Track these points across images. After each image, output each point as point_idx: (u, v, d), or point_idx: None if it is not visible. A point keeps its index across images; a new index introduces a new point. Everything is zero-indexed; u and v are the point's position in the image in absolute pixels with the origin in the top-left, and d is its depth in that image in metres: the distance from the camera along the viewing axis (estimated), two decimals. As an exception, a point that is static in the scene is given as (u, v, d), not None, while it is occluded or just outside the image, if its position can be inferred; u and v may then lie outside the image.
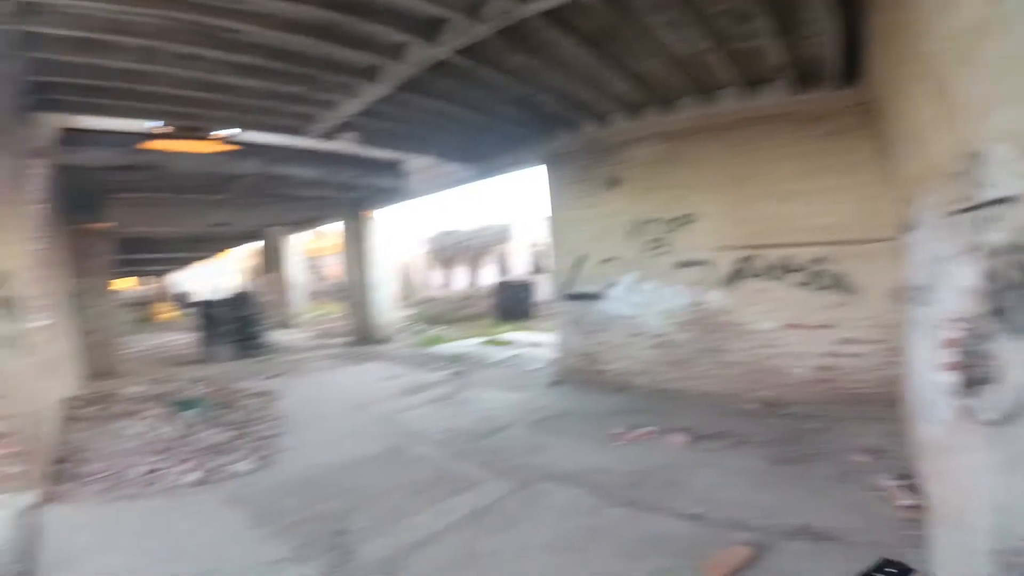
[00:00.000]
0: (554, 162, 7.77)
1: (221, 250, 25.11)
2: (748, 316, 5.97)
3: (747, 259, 5.96)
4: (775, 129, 5.72)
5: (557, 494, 3.90)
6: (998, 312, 2.19)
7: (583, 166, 7.35)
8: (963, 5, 2.07)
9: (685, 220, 6.40)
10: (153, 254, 21.72)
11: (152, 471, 4.47)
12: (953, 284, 2.87)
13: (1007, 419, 2.08)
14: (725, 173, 6.08)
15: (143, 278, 34.88)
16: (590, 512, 3.62)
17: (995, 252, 2.14)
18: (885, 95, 4.44)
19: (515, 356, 9.63)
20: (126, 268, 21.00)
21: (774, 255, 5.78)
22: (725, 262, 6.10)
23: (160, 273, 34.41)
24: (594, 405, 6.25)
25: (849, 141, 5.29)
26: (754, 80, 5.52)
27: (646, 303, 6.73)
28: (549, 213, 8.07)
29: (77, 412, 6.17)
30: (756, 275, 5.92)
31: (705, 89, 5.81)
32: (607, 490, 3.93)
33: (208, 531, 3.48)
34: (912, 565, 2.46)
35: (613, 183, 7.02)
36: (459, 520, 3.53)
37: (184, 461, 4.62)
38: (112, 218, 9.88)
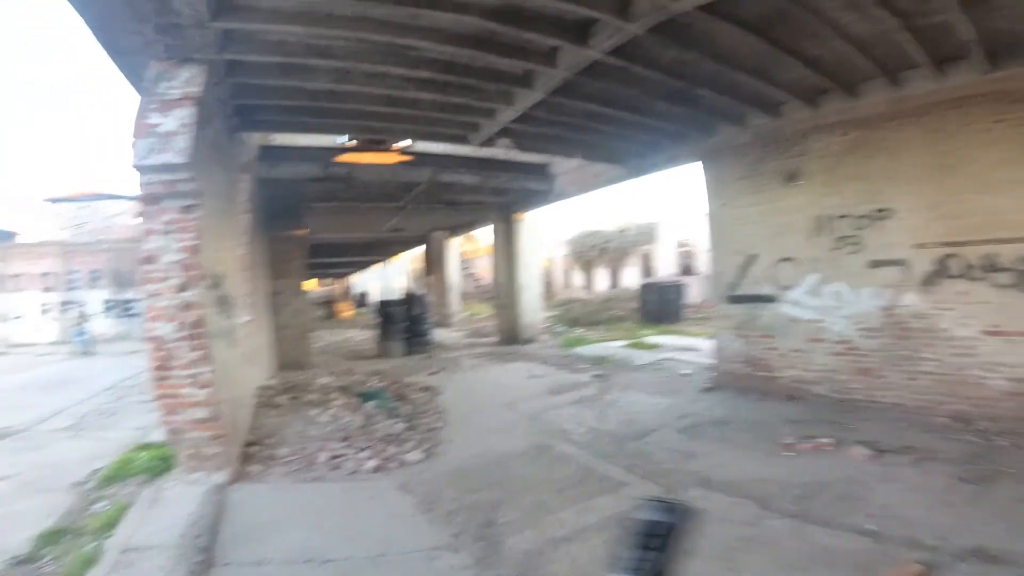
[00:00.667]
0: (714, 158, 7.32)
1: (393, 254, 28.15)
2: (946, 321, 5.16)
3: (947, 257, 5.15)
4: (974, 112, 4.90)
5: (711, 502, 3.70)
6: None
7: (751, 160, 6.83)
8: None
9: (878, 215, 5.63)
10: (337, 258, 25.19)
11: (335, 457, 4.80)
12: None
13: None
14: (922, 163, 5.28)
15: (328, 279, 40.55)
16: (749, 522, 3.40)
17: None
18: None
19: (663, 360, 9.28)
20: (314, 270, 24.73)
21: (977, 253, 4.95)
22: (923, 261, 5.31)
23: (342, 275, 39.80)
24: (758, 413, 5.82)
25: None
26: (944, 58, 4.69)
27: (830, 306, 6.08)
28: (708, 211, 7.60)
29: (270, 399, 6.71)
30: (957, 275, 5.10)
31: (891, 71, 5.06)
32: (770, 501, 3.65)
33: (381, 515, 3.80)
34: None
35: (791, 177, 6.39)
36: (602, 520, 3.51)
37: (364, 449, 5.04)
38: (305, 225, 11.22)
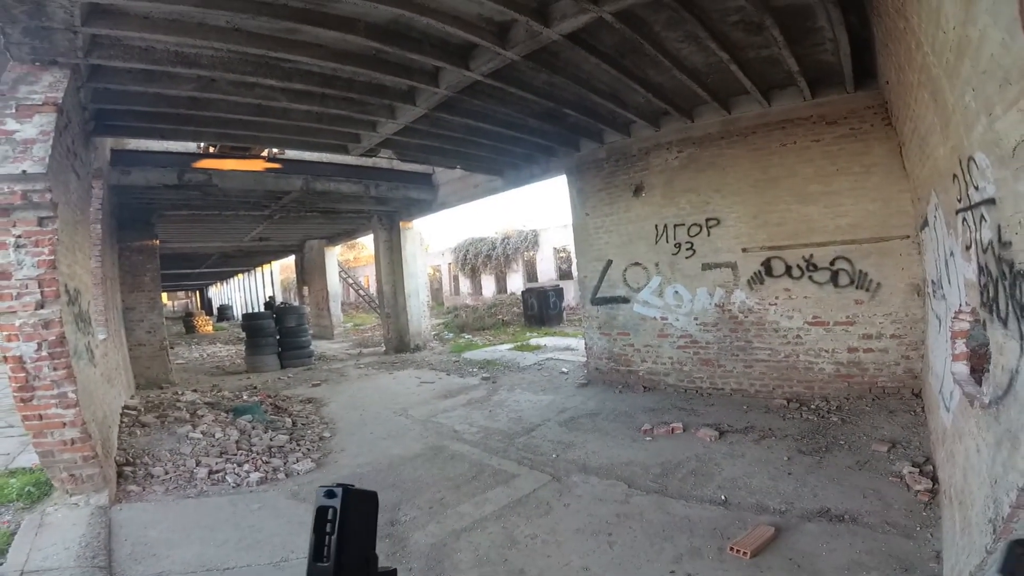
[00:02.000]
0: (578, 171, 8.05)
1: (259, 264, 26.19)
2: (773, 315, 6.10)
3: (770, 260, 6.10)
4: (793, 133, 5.88)
5: (588, 485, 4.16)
6: (988, 304, 2.39)
7: (607, 174, 7.61)
8: (945, 25, 2.27)
9: (709, 224, 6.57)
10: (193, 269, 22.86)
11: (214, 472, 4.71)
12: (959, 278, 3.07)
13: (996, 401, 2.29)
14: (747, 177, 6.24)
15: (189, 292, 36.35)
16: (620, 500, 3.87)
17: (984, 248, 2.35)
18: (894, 99, 4.58)
19: (545, 360, 9.88)
20: (170, 283, 22.19)
21: (796, 255, 5.91)
22: (749, 263, 6.25)
23: (202, 287, 35.99)
24: (622, 404, 6.47)
25: (864, 143, 5.44)
26: (769, 87, 5.69)
27: (672, 305, 6.93)
28: (573, 221, 8.34)
29: (136, 419, 6.47)
30: (779, 275, 6.05)
31: (722, 97, 6.00)
32: (635, 480, 4.17)
33: (276, 524, 3.78)
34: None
35: (637, 190, 7.25)
36: (499, 510, 3.83)
37: (244, 463, 4.92)
38: (159, 235, 10.39)
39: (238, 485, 4.53)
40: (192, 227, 13.05)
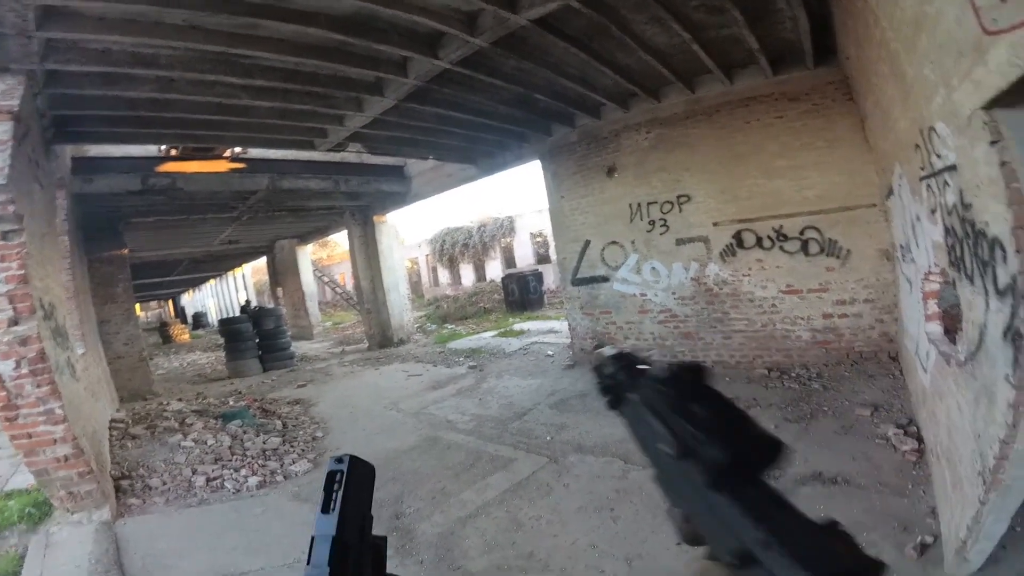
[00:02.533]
0: (551, 155, 8.09)
1: (231, 268, 25.56)
2: (747, 286, 6.31)
3: (741, 232, 6.29)
4: (756, 111, 6.04)
5: (585, 464, 4.28)
6: (956, 263, 2.54)
7: (580, 157, 7.68)
8: (902, 2, 2.37)
9: (681, 201, 6.73)
10: (164, 277, 22.23)
11: (212, 479, 4.70)
12: (926, 241, 3.23)
13: (971, 357, 2.41)
14: (715, 154, 6.39)
15: (157, 302, 35.38)
16: (618, 476, 3.98)
17: (949, 211, 2.50)
18: (855, 74, 4.73)
19: (530, 344, 9.99)
20: (142, 293, 21.55)
21: (767, 227, 6.10)
22: (721, 236, 6.44)
23: (172, 296, 35.05)
24: None
25: (827, 119, 5.60)
26: (731, 65, 5.80)
27: (650, 281, 7.10)
28: (549, 204, 8.40)
29: (125, 431, 6.41)
30: (751, 246, 6.25)
31: (687, 77, 6.09)
32: (631, 456, 4.24)
33: (281, 526, 3.79)
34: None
35: (610, 171, 7.35)
36: (500, 495, 3.91)
37: (241, 468, 4.91)
38: (127, 244, 10.13)
39: (238, 491, 4.52)
40: (160, 234, 12.67)
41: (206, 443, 5.66)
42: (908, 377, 4.65)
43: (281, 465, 4.99)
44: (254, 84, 4.97)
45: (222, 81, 4.86)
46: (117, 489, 4.54)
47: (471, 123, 7.04)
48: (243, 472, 4.83)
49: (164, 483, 4.71)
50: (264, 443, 5.62)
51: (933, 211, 2.87)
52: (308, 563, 0.54)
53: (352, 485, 0.57)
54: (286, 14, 3.86)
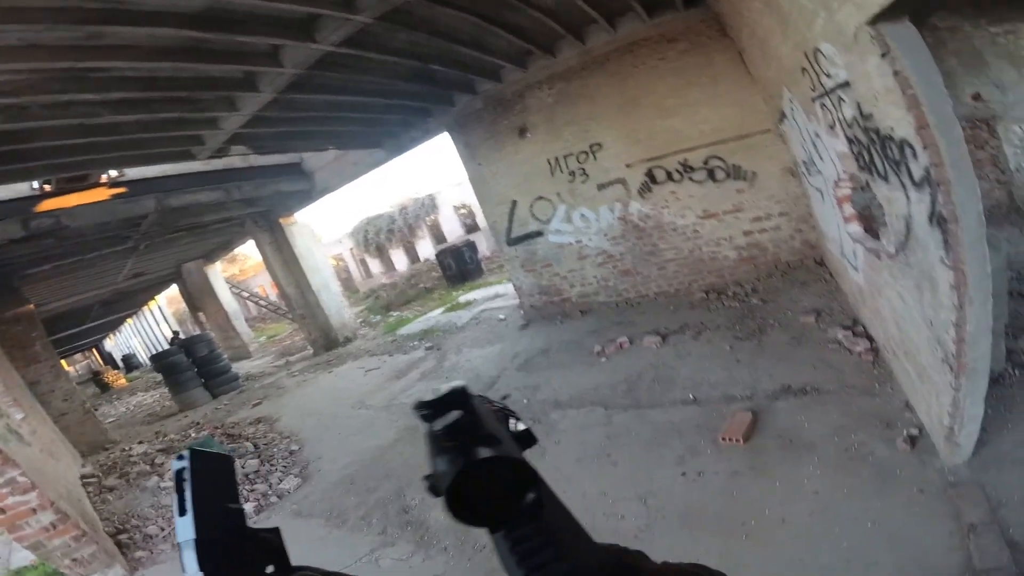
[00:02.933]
0: (459, 126, 8.07)
1: (145, 302, 23.69)
2: (668, 216, 6.78)
3: (652, 170, 6.69)
4: (642, 55, 6.32)
5: (568, 418, 4.37)
6: (865, 167, 2.85)
7: (489, 123, 7.73)
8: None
9: (594, 149, 7.02)
10: (80, 326, 20.44)
11: None
12: (830, 154, 3.56)
13: (901, 247, 2.61)
14: (613, 101, 6.68)
15: (85, 352, 32.78)
16: (603, 423, 4.08)
17: (849, 124, 2.80)
18: (728, 11, 4.98)
19: (480, 313, 10.12)
20: (63, 347, 19.69)
21: (673, 162, 6.51)
22: (635, 176, 6.82)
23: (96, 343, 32.31)
24: (567, 334, 6.86)
25: (705, 56, 5.95)
26: (613, 14, 5.98)
27: (582, 227, 7.43)
28: (467, 173, 8.42)
29: (100, 485, 6.15)
30: (663, 181, 6.67)
31: (577, 29, 6.22)
32: (609, 401, 4.38)
33: (296, 546, 3.70)
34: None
35: (522, 131, 7.48)
36: None
37: None
38: (31, 299, 9.47)
39: None
40: (61, 281, 11.61)
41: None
42: (840, 279, 4.80)
43: (269, 486, 4.94)
44: (112, 98, 4.53)
45: (78, 100, 4.41)
46: (119, 545, 4.40)
47: (368, 105, 6.82)
48: None
49: (162, 529, 4.59)
50: (243, 467, 5.51)
51: (832, 126, 3.12)
52: (183, 572, 0.49)
53: (200, 480, 0.52)
54: (131, 17, 3.51)
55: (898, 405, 3.15)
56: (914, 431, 2.89)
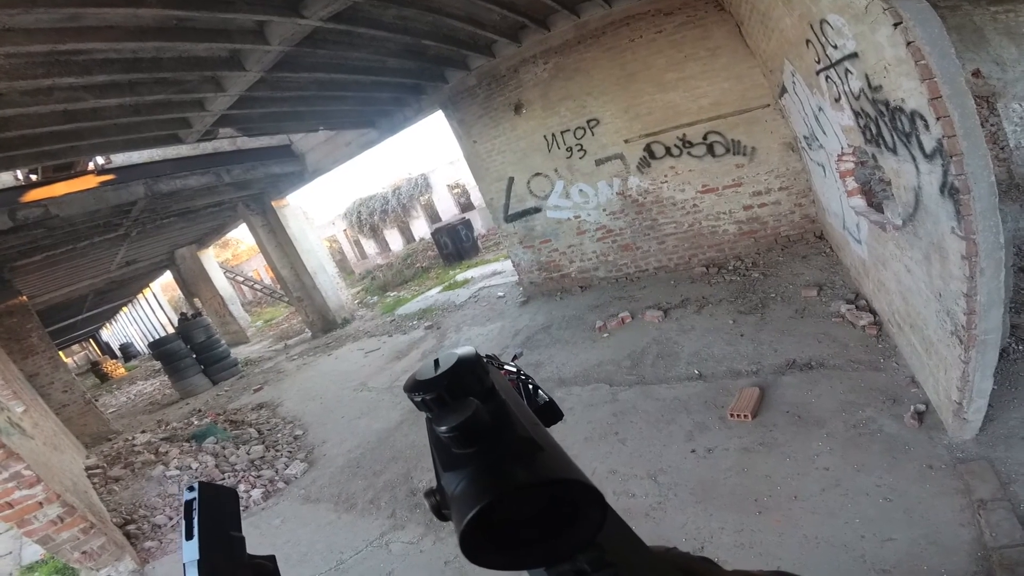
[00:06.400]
0: (453, 104, 7.90)
1: (139, 290, 23.54)
2: (667, 191, 6.71)
3: (650, 144, 6.59)
4: (637, 28, 6.14)
5: (574, 396, 4.32)
6: (872, 140, 2.81)
7: (483, 100, 7.57)
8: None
9: (591, 124, 6.89)
10: (74, 317, 20.38)
11: None
12: (833, 127, 3.50)
13: (909, 218, 2.58)
14: (610, 75, 6.53)
15: (82, 342, 32.87)
16: (609, 400, 4.03)
17: (856, 96, 2.74)
18: None
19: (479, 291, 10.07)
20: (59, 339, 19.65)
21: (672, 137, 6.41)
22: (634, 151, 6.72)
23: (93, 333, 32.29)
24: (568, 309, 6.83)
25: (703, 29, 5.80)
26: None
27: (580, 203, 7.36)
28: (463, 151, 8.28)
29: (105, 476, 6.11)
30: (662, 156, 6.58)
31: (570, 3, 6.03)
32: (614, 378, 4.32)
33: (308, 532, 3.72)
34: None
35: (518, 107, 7.33)
36: None
37: (238, 484, 4.83)
38: (23, 291, 9.40)
39: (246, 507, 4.45)
40: (54, 271, 11.52)
41: (191, 467, 5.52)
42: (841, 253, 4.76)
43: (276, 472, 4.95)
44: (95, 81, 4.40)
45: (60, 84, 4.25)
46: (127, 536, 4.42)
47: (360, 83, 6.65)
48: (242, 487, 4.75)
49: (170, 518, 4.61)
50: (248, 453, 5.53)
51: (837, 99, 3.07)
52: None
53: (206, 509, 0.57)
54: (109, -3, 3.41)
55: (904, 380, 3.15)
56: (921, 407, 2.90)
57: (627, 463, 3.30)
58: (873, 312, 3.87)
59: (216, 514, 0.58)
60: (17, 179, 7.07)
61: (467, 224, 16.61)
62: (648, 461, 3.24)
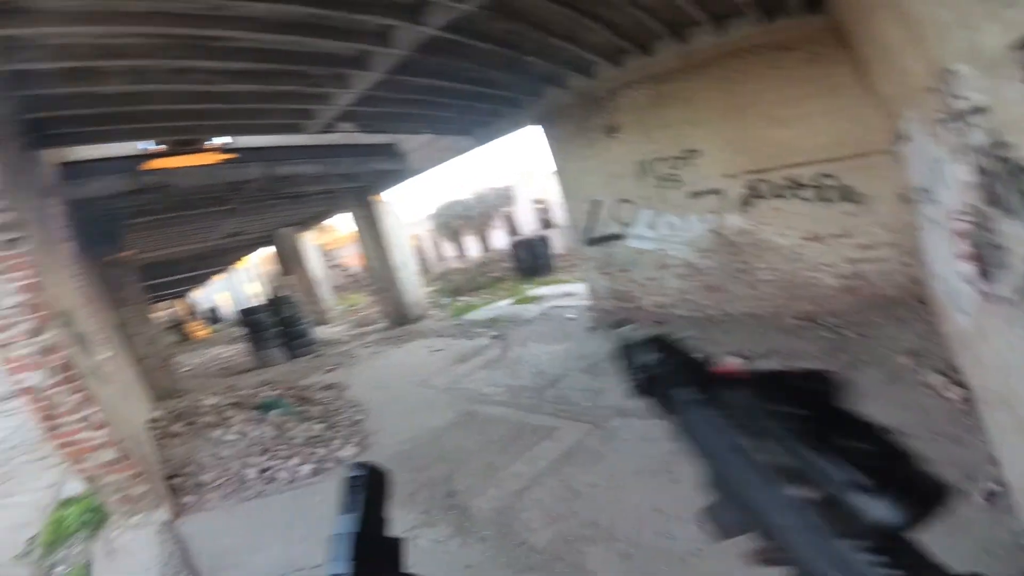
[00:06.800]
0: (550, 119, 7.96)
1: (236, 260, 25.58)
2: (767, 234, 6.26)
3: (756, 182, 6.20)
4: (753, 61, 5.84)
5: (631, 428, 4.20)
6: (993, 201, 2.50)
7: (578, 118, 7.54)
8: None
9: (689, 155, 6.63)
10: (172, 276, 22.33)
11: (264, 471, 4.71)
12: (952, 182, 3.15)
13: (1022, 294, 2.31)
14: (715, 107, 6.25)
15: (167, 301, 36.01)
16: (666, 438, 3.89)
17: (980, 152, 2.46)
18: (851, 20, 4.51)
19: (549, 309, 9.99)
20: (154, 294, 21.74)
21: (780, 176, 6.00)
22: (734, 188, 6.36)
23: (181, 294, 35.47)
24: None
25: (826, 66, 5.40)
26: (722, 15, 5.60)
27: (667, 235, 7.09)
28: (554, 168, 8.31)
29: (166, 430, 6.49)
30: (766, 196, 6.17)
31: (678, 29, 5.90)
32: None
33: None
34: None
35: (611, 130, 7.24)
36: (550, 464, 3.92)
37: (291, 457, 5.00)
38: (129, 246, 10.19)
39: (292, 480, 4.57)
40: (160, 233, 12.63)
41: (251, 434, 5.69)
42: (940, 320, 4.40)
43: (329, 452, 5.10)
44: (231, 68, 4.81)
45: (196, 67, 4.71)
46: (170, 488, 4.56)
47: (464, 92, 6.87)
48: (294, 461, 4.89)
49: (216, 478, 4.73)
50: (308, 430, 5.72)
51: (958, 153, 2.80)
52: (330, 559, 0.57)
53: (370, 488, 0.63)
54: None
55: (982, 458, 2.97)
56: (995, 487, 2.72)
57: (673, 504, 3.13)
58: (963, 386, 3.62)
59: (375, 494, 0.64)
60: (144, 149, 7.88)
61: (545, 241, 16.65)
62: (696, 506, 3.03)
